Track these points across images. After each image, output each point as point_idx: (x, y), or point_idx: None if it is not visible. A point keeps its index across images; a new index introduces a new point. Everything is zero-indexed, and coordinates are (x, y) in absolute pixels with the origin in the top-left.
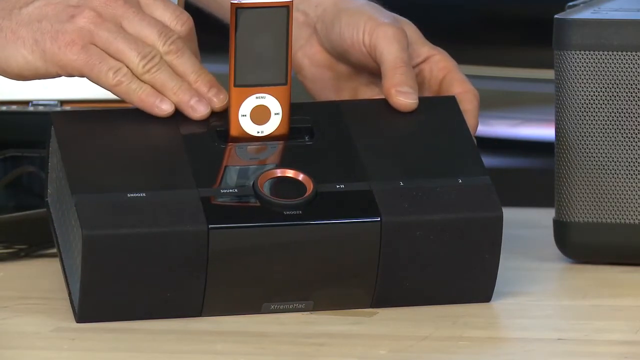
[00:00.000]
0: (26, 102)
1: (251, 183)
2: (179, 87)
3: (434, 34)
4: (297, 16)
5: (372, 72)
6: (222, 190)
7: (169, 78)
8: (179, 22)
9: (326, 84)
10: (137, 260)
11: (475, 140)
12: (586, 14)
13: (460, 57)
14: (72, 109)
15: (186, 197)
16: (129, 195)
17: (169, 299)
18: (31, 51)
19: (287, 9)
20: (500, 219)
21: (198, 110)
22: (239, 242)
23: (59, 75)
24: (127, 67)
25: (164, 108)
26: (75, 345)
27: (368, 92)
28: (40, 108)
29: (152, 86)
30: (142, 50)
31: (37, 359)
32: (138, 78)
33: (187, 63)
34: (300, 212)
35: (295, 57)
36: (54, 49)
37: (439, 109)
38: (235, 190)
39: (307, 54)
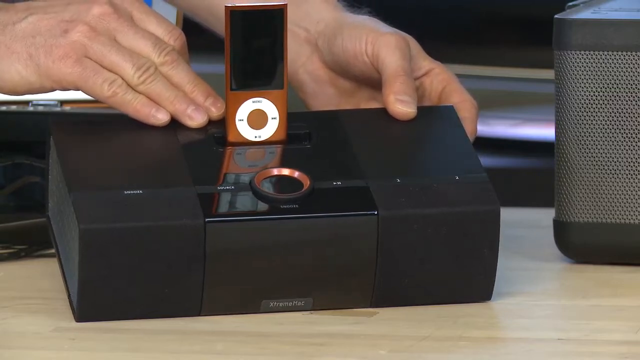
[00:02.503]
0: (26, 102)
1: (248, 182)
2: (175, 97)
3: (434, 34)
4: (298, 32)
5: (374, 84)
6: (219, 187)
7: (165, 88)
8: (172, 37)
9: (327, 100)
10: (135, 255)
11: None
12: (586, 14)
13: (460, 57)
14: (71, 109)
15: (183, 193)
16: (125, 192)
17: (168, 294)
18: (25, 66)
19: (281, 11)
20: (497, 212)
21: (195, 118)
22: (236, 236)
23: (54, 89)
24: (122, 78)
25: (160, 117)
26: (75, 345)
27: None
28: (40, 108)
29: (148, 97)
30: (137, 61)
31: (37, 359)
32: (133, 89)
33: (182, 73)
34: (297, 206)
35: (297, 73)
36: (48, 63)
37: (437, 116)
38: (232, 187)
39: (308, 70)
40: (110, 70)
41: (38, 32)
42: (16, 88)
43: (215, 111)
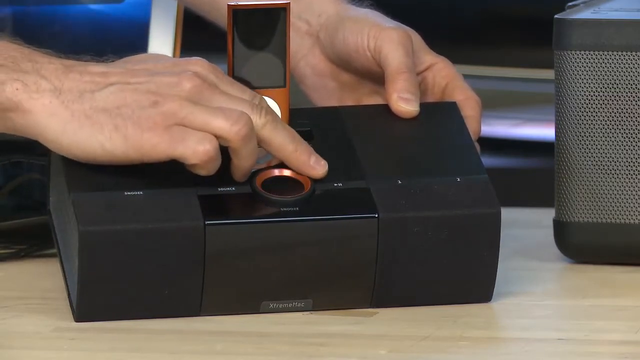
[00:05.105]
0: None
1: (248, 182)
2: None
3: (434, 34)
4: (299, 25)
5: (376, 78)
6: (219, 189)
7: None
8: (257, 100)
9: (329, 93)
10: (134, 256)
11: (478, 147)
12: (586, 14)
13: (460, 57)
14: None
15: (183, 195)
16: (125, 193)
17: (168, 295)
18: (109, 138)
19: (284, 10)
20: (498, 215)
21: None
22: (236, 238)
23: (141, 161)
24: (216, 136)
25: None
26: (75, 345)
27: (371, 102)
28: None
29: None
30: (231, 115)
31: (37, 359)
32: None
33: (284, 132)
34: (297, 208)
35: (298, 66)
36: (137, 135)
37: (439, 113)
38: (233, 188)
39: (310, 63)
40: (203, 130)
41: (123, 103)
42: (96, 159)
43: (320, 169)
